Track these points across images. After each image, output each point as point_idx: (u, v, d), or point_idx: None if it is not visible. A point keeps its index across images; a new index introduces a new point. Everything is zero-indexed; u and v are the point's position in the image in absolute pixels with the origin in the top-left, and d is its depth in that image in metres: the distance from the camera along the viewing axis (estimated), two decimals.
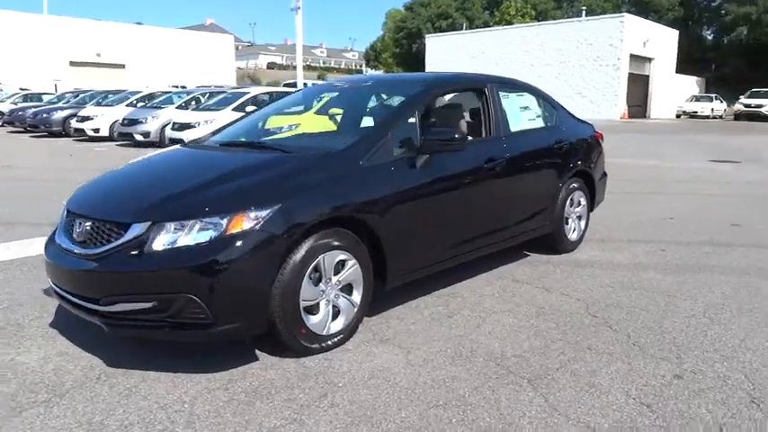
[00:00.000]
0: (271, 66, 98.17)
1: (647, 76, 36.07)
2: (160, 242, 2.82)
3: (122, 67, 42.51)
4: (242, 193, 3.01)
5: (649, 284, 4.49)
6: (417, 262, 3.74)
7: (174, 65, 43.50)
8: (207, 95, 17.72)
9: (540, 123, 5.08)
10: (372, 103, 4.83)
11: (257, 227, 2.84)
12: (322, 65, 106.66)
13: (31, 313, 3.88)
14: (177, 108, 17.12)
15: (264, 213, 2.87)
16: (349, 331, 3.34)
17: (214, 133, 4.62)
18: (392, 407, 2.70)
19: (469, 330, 3.59)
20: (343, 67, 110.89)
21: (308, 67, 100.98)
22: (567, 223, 5.26)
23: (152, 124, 16.52)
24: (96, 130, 18.17)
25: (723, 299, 4.17)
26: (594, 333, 3.55)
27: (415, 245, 3.66)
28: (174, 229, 2.83)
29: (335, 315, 3.28)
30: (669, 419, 2.60)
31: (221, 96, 16.41)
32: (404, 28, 64.76)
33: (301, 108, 5.20)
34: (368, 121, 4.46)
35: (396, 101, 4.38)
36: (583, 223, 5.51)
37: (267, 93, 16.56)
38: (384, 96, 4.81)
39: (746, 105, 32.11)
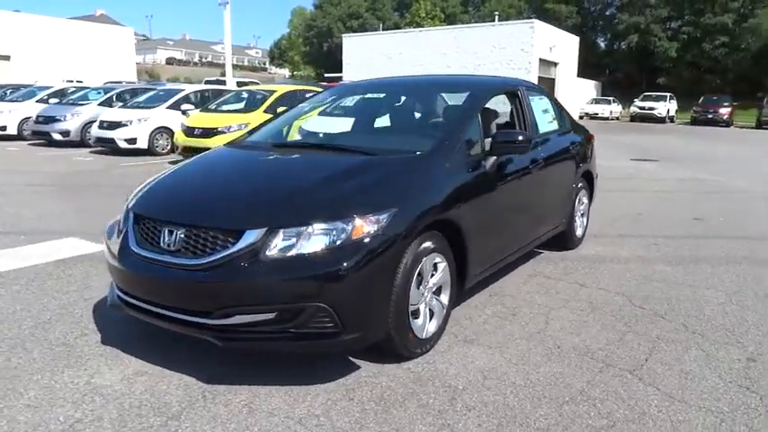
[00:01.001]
0: (170, 61, 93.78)
1: (554, 80, 38.17)
2: (279, 249, 2.69)
3: (7, 59, 38.86)
4: (360, 196, 2.93)
5: (666, 276, 4.82)
6: (488, 260, 3.81)
7: (68, 57, 40.34)
8: (132, 92, 16.69)
9: (556, 126, 5.30)
10: (424, 105, 4.79)
11: (379, 231, 2.78)
12: (224, 62, 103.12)
13: (71, 330, 3.56)
14: (101, 105, 15.99)
15: (383, 217, 2.82)
16: (440, 333, 3.35)
17: (250, 133, 4.41)
18: (526, 406, 2.75)
19: (540, 327, 3.70)
20: (246, 64, 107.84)
21: (208, 64, 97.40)
22: (575, 220, 5.52)
23: (72, 122, 15.33)
24: (3, 128, 16.59)
25: (738, 286, 4.57)
26: (653, 324, 3.78)
27: (487, 243, 3.72)
28: (294, 235, 2.71)
29: (430, 317, 3.27)
30: None
31: (151, 94, 15.54)
32: (314, 27, 64.26)
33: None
34: (425, 124, 4.44)
35: (452, 103, 4.40)
36: (585, 220, 5.81)
37: (204, 90, 15.88)
38: (430, 98, 4.79)
39: (641, 108, 34.90)
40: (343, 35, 42.59)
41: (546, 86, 36.87)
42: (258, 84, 27.08)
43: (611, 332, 3.63)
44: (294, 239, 2.70)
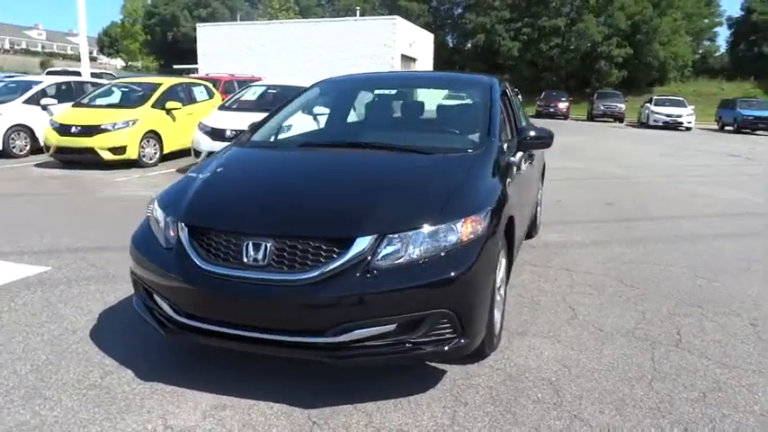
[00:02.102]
0: None
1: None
2: (389, 256, 2.55)
3: None
4: (458, 196, 2.85)
5: (629, 257, 5.31)
6: (516, 250, 3.92)
7: None
8: None
9: (523, 120, 5.55)
10: (432, 101, 4.72)
11: (482, 231, 2.75)
12: (42, 49, 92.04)
13: (87, 369, 3.10)
14: None
15: (482, 217, 2.79)
16: (501, 327, 3.39)
17: (253, 132, 4.07)
18: (623, 388, 2.90)
19: (570, 313, 3.90)
20: (69, 52, 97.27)
21: (23, 51, 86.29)
22: (539, 210, 5.87)
23: None
24: None
25: (699, 262, 5.17)
26: (656, 302, 4.16)
27: (518, 234, 3.81)
28: (402, 240, 2.58)
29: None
30: None
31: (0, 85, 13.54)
32: (156, 14, 60.07)
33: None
34: (453, 121, 4.37)
35: (465, 100, 4.40)
36: (540, 210, 6.18)
37: (63, 83, 14.10)
38: (437, 94, 4.75)
39: None
40: (198, 24, 40.36)
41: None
42: (114, 76, 24.81)
43: (631, 311, 3.93)
44: (401, 245, 2.58)
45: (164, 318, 2.85)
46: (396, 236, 2.58)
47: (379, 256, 2.54)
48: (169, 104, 11.52)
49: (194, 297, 2.68)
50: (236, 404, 2.71)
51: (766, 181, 10.92)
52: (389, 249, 2.56)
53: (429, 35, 41.53)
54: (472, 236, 2.68)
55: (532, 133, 3.86)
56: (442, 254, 2.59)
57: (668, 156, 14.94)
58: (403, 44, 35.73)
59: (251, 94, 11.77)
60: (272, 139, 4.06)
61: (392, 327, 2.53)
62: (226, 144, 9.57)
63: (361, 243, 2.53)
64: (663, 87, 44.10)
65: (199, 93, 13.10)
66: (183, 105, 11.93)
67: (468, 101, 4.41)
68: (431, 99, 4.80)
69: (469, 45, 49.61)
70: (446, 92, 4.84)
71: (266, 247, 2.58)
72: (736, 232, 6.49)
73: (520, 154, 3.87)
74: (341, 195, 2.93)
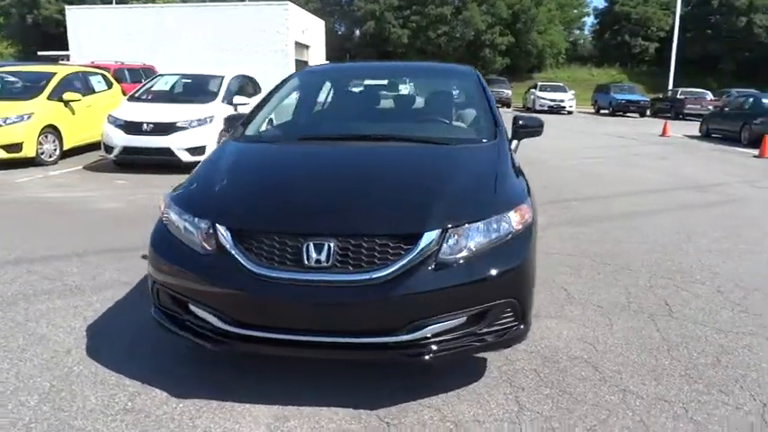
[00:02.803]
0: None
1: (307, 63, 39.01)
2: (453, 249, 2.56)
3: None
4: (504, 186, 2.89)
5: (589, 237, 5.69)
6: None
7: None
8: None
9: None
10: (428, 91, 4.66)
11: (529, 219, 2.82)
12: None
13: (107, 393, 2.83)
14: None
15: (528, 205, 2.86)
16: None
17: (244, 126, 3.84)
18: (651, 360, 3.13)
19: (570, 294, 4.12)
20: None
21: None
22: None
23: None
24: None
25: (647, 236, 5.63)
26: (634, 276, 4.51)
27: None
28: (464, 232, 2.60)
29: None
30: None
31: None
32: None
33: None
34: (450, 110, 4.34)
35: (456, 90, 4.41)
36: None
37: None
38: (425, 84, 4.71)
39: None
40: (66, 7, 36.93)
41: (301, 68, 37.68)
42: None
43: (616, 287, 4.24)
44: (463, 238, 2.59)
45: (206, 329, 2.65)
46: (458, 229, 2.58)
47: (444, 251, 2.54)
48: (67, 96, 10.53)
49: (249, 305, 2.52)
50: (299, 414, 2.60)
51: (660, 160, 12.03)
52: (452, 243, 2.56)
53: (320, 22, 40.98)
54: (522, 224, 2.75)
55: (523, 122, 3.98)
56: (500, 244, 2.64)
57: (564, 139, 15.98)
58: (296, 31, 34.98)
59: (163, 84, 11.06)
60: (270, 133, 3.87)
61: (462, 320, 2.55)
62: (144, 138, 9.21)
63: (429, 238, 2.51)
64: (541, 74, 46.98)
65: (96, 83, 12.08)
66: (83, 96, 10.95)
67: (459, 90, 4.45)
68: (419, 89, 4.79)
69: (359, 32, 49.76)
70: (435, 81, 4.84)
71: (329, 247, 2.49)
72: (663, 208, 7.14)
73: (515, 142, 3.99)
74: (393, 190, 2.87)
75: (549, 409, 2.63)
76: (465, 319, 2.55)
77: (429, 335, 2.51)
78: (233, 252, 2.56)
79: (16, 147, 9.52)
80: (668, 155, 12.86)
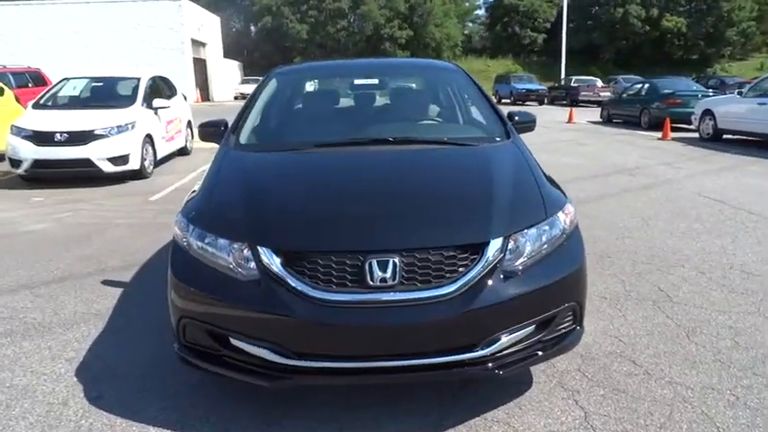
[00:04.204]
0: None
1: (205, 60, 37.47)
2: (516, 256, 2.47)
3: None
4: (545, 189, 2.81)
5: None
6: None
7: None
8: None
9: None
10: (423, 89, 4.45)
11: (574, 219, 2.79)
12: None
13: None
14: None
15: (571, 204, 2.83)
16: None
17: (236, 134, 3.49)
18: (677, 348, 3.22)
19: None
20: None
21: None
22: None
23: None
24: None
25: (608, 222, 5.85)
26: (618, 264, 4.65)
27: None
28: (525, 238, 2.52)
29: None
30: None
31: None
32: None
33: None
34: (449, 108, 4.17)
35: (448, 87, 4.27)
36: None
37: None
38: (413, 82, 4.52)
39: None
40: None
41: (198, 66, 36.11)
42: None
43: (607, 276, 4.35)
44: (523, 244, 2.51)
45: (254, 364, 2.39)
46: (518, 235, 2.50)
47: (508, 259, 2.44)
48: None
49: (308, 333, 2.29)
50: None
51: (579, 146, 12.65)
52: (513, 250, 2.48)
53: (216, 18, 39.53)
54: (571, 225, 2.71)
55: (518, 118, 3.96)
56: (557, 247, 2.59)
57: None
58: (191, 28, 33.46)
59: (71, 89, 10.09)
60: (268, 141, 3.57)
61: (531, 328, 2.47)
62: (57, 149, 8.34)
63: (495, 246, 2.41)
64: None
65: None
66: None
67: (453, 87, 4.28)
68: (412, 86, 4.63)
69: (256, 28, 48.45)
70: (424, 78, 4.68)
71: (394, 264, 2.31)
72: (606, 193, 7.48)
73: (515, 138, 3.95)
74: (445, 198, 2.71)
75: (614, 410, 2.62)
76: (533, 327, 2.48)
77: (503, 347, 2.41)
78: (285, 277, 2.31)
79: None
80: (583, 141, 13.57)
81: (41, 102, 9.57)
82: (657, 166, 9.70)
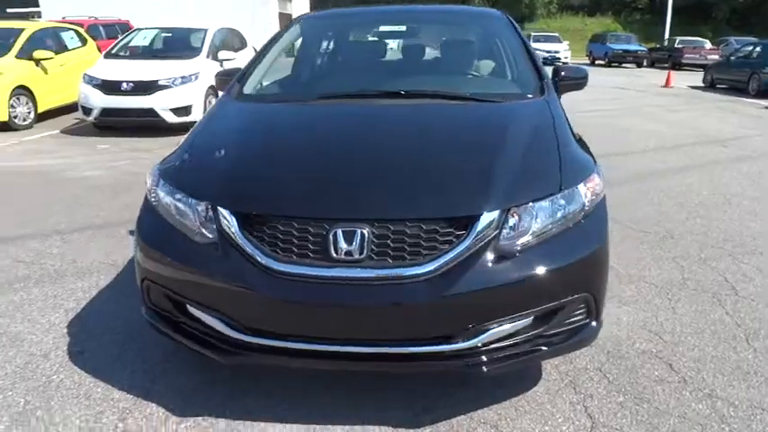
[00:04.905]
0: None
1: (290, 15, 37.55)
2: (514, 233, 2.06)
3: None
4: (568, 154, 2.36)
5: (620, 198, 5.12)
6: None
7: None
8: None
9: None
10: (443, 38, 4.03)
11: (601, 192, 2.32)
12: None
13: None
14: None
15: (598, 175, 2.36)
16: None
17: (241, 84, 3.23)
18: (730, 353, 2.70)
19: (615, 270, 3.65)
20: None
21: None
22: None
23: None
24: None
25: (681, 198, 5.16)
26: (682, 246, 4.06)
27: None
28: (529, 213, 2.10)
29: None
30: None
31: None
32: None
33: None
34: (473, 61, 3.73)
35: (487, 38, 3.80)
36: None
37: None
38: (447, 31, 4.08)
39: None
40: None
41: (284, 22, 36.22)
42: None
43: (665, 261, 3.79)
44: (526, 219, 2.09)
45: (212, 337, 2.16)
46: (520, 208, 2.08)
47: (505, 236, 2.04)
48: (38, 54, 9.71)
49: (262, 308, 2.02)
50: None
51: (671, 113, 11.50)
52: (513, 226, 2.06)
53: None
54: (594, 200, 2.24)
55: (565, 74, 3.41)
56: (572, 225, 2.14)
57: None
58: None
59: (141, 39, 10.25)
60: (275, 90, 3.29)
61: (528, 320, 2.07)
62: (124, 98, 8.51)
63: (487, 221, 2.01)
64: (532, 24, 45.69)
65: (69, 39, 11.20)
66: (55, 54, 10.13)
67: (492, 38, 3.78)
68: (445, 36, 4.15)
69: None
70: (463, 28, 4.20)
71: (362, 235, 1.98)
72: (690, 164, 6.67)
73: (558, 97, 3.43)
74: (439, 161, 2.33)
75: (629, 424, 2.19)
76: (531, 319, 2.07)
77: (490, 340, 2.03)
78: (240, 242, 2.04)
79: None
80: (677, 107, 12.31)
81: (113, 52, 9.79)
82: (756, 137, 8.58)
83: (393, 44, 3.83)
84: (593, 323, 2.22)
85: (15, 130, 9.06)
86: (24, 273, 3.68)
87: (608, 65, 27.65)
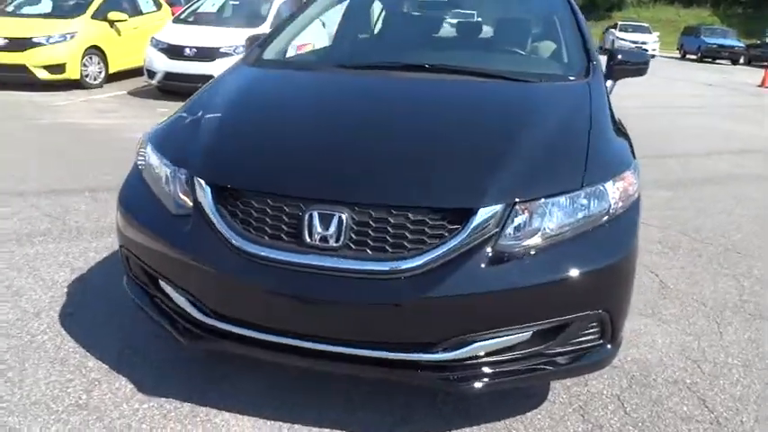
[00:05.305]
0: None
1: None
2: (528, 233, 1.76)
3: None
4: (600, 145, 2.03)
5: (683, 203, 4.70)
6: None
7: None
8: None
9: None
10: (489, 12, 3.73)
11: (635, 194, 1.97)
12: None
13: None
14: None
15: (633, 173, 2.00)
16: None
17: (262, 48, 3.05)
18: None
19: (659, 282, 3.27)
20: None
21: None
22: None
23: None
24: None
25: (758, 209, 4.60)
26: (746, 262, 3.58)
27: None
28: (540, 211, 1.79)
29: None
30: None
31: None
32: None
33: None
34: (518, 37, 3.39)
35: (533, 12, 3.45)
36: None
37: None
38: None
39: None
40: None
41: None
42: None
43: (723, 276, 3.36)
44: (536, 218, 1.79)
45: (179, 315, 1.99)
46: (530, 204, 1.77)
47: (508, 235, 1.74)
48: (112, 15, 9.94)
49: (228, 291, 1.83)
50: None
51: (758, 113, 10.51)
52: (521, 224, 1.76)
53: None
54: (624, 202, 1.90)
55: (623, 57, 3.00)
56: (593, 229, 1.81)
57: (650, 84, 14.35)
58: None
59: (210, 5, 10.30)
60: (296, 58, 3.09)
61: (526, 335, 1.78)
62: (186, 63, 8.59)
63: (485, 215, 1.72)
64: (621, 12, 43.37)
65: (144, 3, 11.44)
66: (129, 17, 10.35)
67: (542, 14, 3.42)
68: (493, 12, 3.80)
69: None
70: (510, 3, 3.83)
71: (340, 220, 1.74)
72: None
73: (610, 83, 3.04)
74: (444, 144, 2.05)
75: None
76: (530, 335, 1.78)
77: (477, 353, 1.76)
78: (211, 216, 1.85)
79: (59, 68, 9.12)
80: None
81: (181, 17, 9.88)
82: None
83: (437, 18, 3.51)
84: (609, 345, 1.90)
85: (86, 88, 9.34)
86: (47, 227, 3.68)
87: (700, 60, 25.81)
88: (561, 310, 1.76)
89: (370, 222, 1.74)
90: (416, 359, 1.75)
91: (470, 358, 1.76)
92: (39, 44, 9.05)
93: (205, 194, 1.89)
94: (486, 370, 1.78)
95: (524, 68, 2.72)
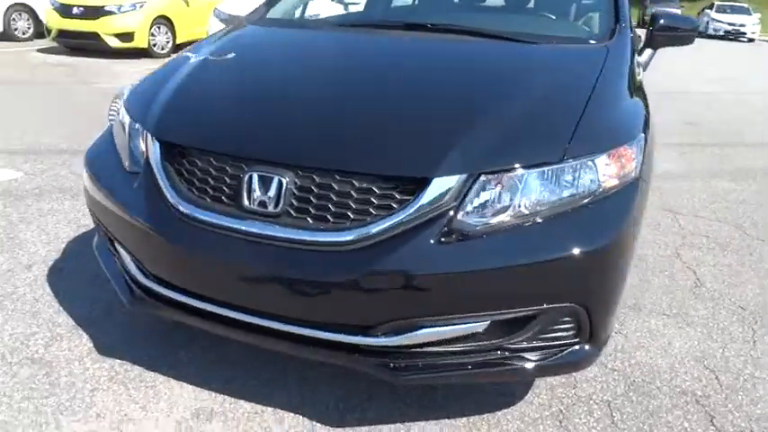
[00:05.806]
0: None
1: None
2: (495, 208, 1.53)
3: None
4: (598, 115, 1.74)
5: (743, 195, 4.21)
6: None
7: None
8: None
9: None
10: None
11: (633, 172, 1.68)
12: None
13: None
14: None
15: (633, 148, 1.71)
16: None
17: (268, 6, 2.92)
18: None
19: (694, 280, 2.90)
20: None
21: None
22: None
23: None
24: None
25: None
26: None
27: None
28: (510, 184, 1.54)
29: None
30: None
31: None
32: None
33: None
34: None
35: None
36: None
37: None
38: None
39: None
40: None
41: None
42: None
43: None
44: (505, 192, 1.54)
45: (127, 275, 1.90)
46: (496, 176, 1.53)
47: (468, 210, 1.51)
48: None
49: (165, 253, 1.70)
50: (228, 411, 1.81)
51: None
52: (484, 199, 1.53)
53: None
54: (620, 179, 1.62)
55: (665, 22, 2.62)
56: (576, 208, 1.55)
57: (741, 67, 13.20)
58: None
59: None
60: (295, 17, 2.93)
61: (482, 325, 1.55)
62: None
63: (441, 186, 1.50)
64: None
65: None
66: None
67: None
68: None
69: None
70: None
71: (280, 183, 1.56)
72: None
73: (649, 51, 2.68)
74: (405, 106, 1.82)
75: None
76: (488, 324, 1.55)
77: (423, 341, 1.55)
78: (156, 174, 1.73)
79: (128, 36, 9.44)
80: None
81: None
82: None
83: None
84: (586, 346, 1.63)
85: (154, 57, 9.61)
86: (71, 185, 3.73)
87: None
88: (524, 299, 1.52)
89: (313, 188, 1.56)
90: (354, 342, 1.56)
91: (416, 346, 1.55)
92: (110, 12, 9.37)
93: (154, 151, 1.77)
94: (434, 361, 1.57)
95: (540, 31, 2.41)
